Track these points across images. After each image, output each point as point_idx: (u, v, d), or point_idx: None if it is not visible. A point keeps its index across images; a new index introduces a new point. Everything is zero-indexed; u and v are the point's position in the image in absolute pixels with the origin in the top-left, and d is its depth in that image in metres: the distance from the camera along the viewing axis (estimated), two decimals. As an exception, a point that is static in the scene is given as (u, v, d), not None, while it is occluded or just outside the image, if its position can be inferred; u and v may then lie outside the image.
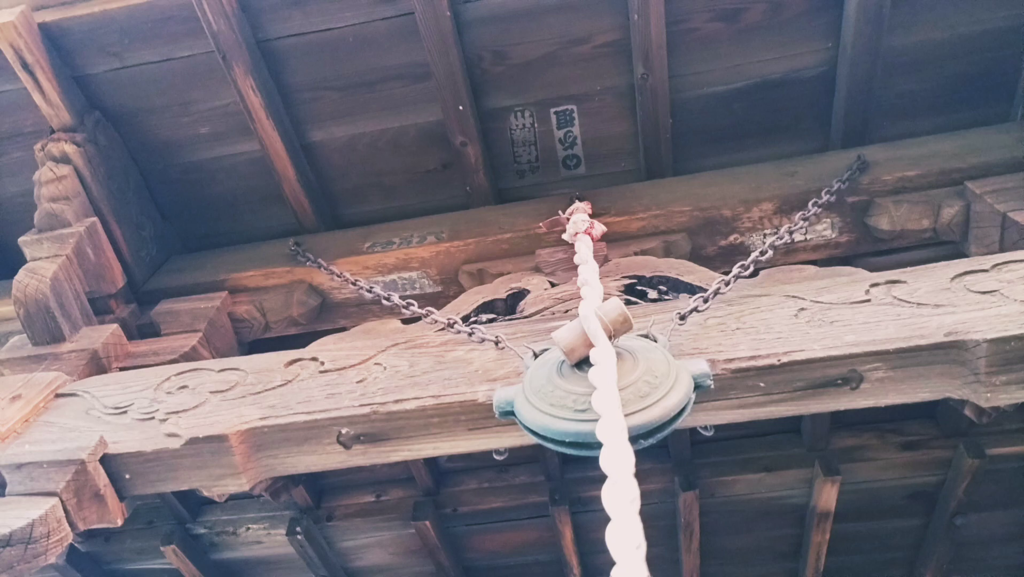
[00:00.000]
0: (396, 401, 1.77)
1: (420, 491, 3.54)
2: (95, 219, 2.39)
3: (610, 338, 1.49)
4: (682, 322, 1.78)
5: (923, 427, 3.40)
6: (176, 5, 2.24)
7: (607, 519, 3.45)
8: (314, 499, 3.61)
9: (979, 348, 1.60)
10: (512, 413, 1.54)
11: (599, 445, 1.39)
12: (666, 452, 3.47)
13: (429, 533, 3.54)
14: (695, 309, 1.80)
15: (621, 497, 1.06)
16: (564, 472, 3.53)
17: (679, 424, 1.47)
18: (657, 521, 3.63)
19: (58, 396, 2.06)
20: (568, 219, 2.24)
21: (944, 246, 2.39)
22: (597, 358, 1.40)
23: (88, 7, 2.28)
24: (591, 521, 3.67)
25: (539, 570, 3.92)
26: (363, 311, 2.50)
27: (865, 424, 3.44)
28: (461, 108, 2.39)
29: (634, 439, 1.41)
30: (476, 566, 3.91)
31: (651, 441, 1.44)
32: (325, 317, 2.52)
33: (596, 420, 1.34)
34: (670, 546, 3.74)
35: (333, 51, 2.40)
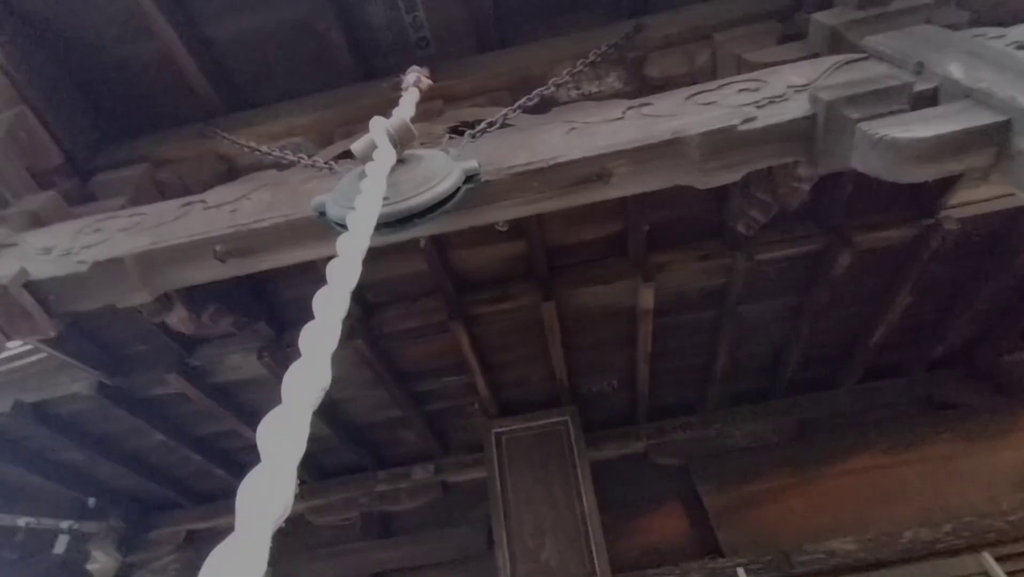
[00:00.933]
0: (256, 221, 1.62)
1: (353, 319, 3.44)
2: (23, 107, 2.08)
3: (396, 145, 1.34)
4: (474, 140, 1.64)
5: (713, 244, 3.39)
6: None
7: (491, 331, 3.37)
8: (276, 332, 3.49)
9: (694, 141, 1.49)
10: (324, 212, 1.40)
11: (378, 228, 1.27)
12: (532, 273, 3.41)
13: (364, 350, 3.47)
14: (484, 130, 1.65)
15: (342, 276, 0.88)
16: (459, 297, 3.46)
17: (451, 206, 1.35)
18: (530, 327, 3.62)
19: (3, 246, 1.85)
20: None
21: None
22: (376, 155, 1.26)
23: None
24: (482, 332, 3.66)
25: (450, 368, 3.92)
26: (261, 170, 2.29)
27: (672, 245, 3.41)
28: (318, -3, 2.11)
29: (410, 218, 1.29)
30: (405, 371, 3.89)
31: (428, 219, 1.32)
32: (233, 179, 2.29)
33: (386, 207, 1.20)
34: (542, 344, 3.74)
35: (207, -48, 2.07)
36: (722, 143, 1.50)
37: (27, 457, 4.09)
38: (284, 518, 0.49)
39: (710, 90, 1.68)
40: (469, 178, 1.39)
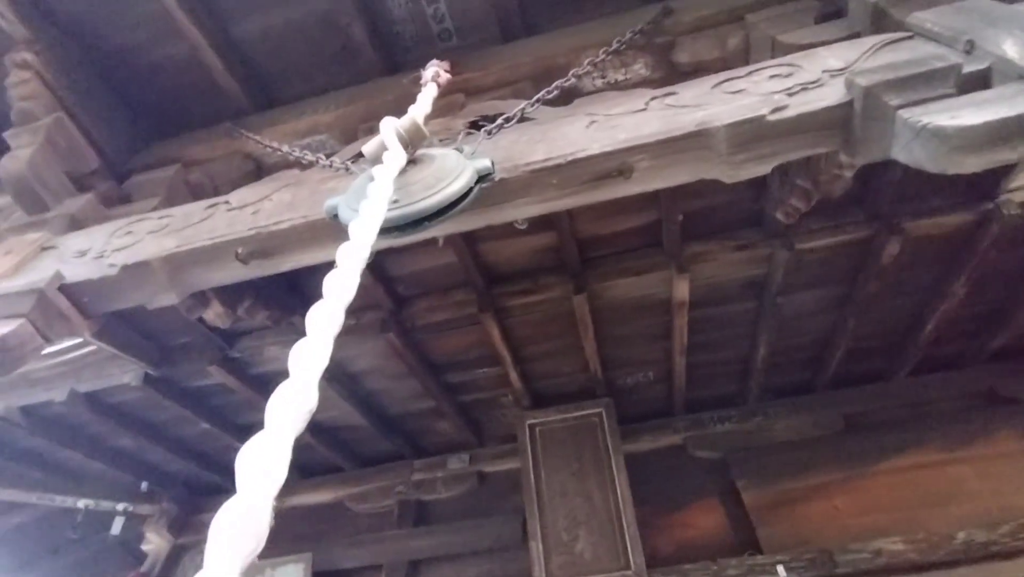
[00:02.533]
0: (275, 223, 1.62)
1: (386, 312, 3.47)
2: (61, 113, 2.15)
3: (407, 146, 1.31)
4: (490, 136, 1.60)
5: (750, 233, 3.26)
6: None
7: (523, 323, 3.34)
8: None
9: (720, 132, 1.41)
10: (338, 215, 1.39)
11: (390, 230, 1.26)
12: (563, 265, 3.36)
13: (396, 342, 3.50)
14: (500, 126, 1.61)
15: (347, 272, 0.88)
16: (489, 289, 3.44)
17: (464, 207, 1.32)
18: (562, 320, 3.58)
19: (43, 249, 1.92)
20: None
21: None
22: (385, 157, 1.24)
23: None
24: (514, 324, 3.63)
25: (482, 360, 3.91)
26: (288, 169, 2.31)
27: (709, 235, 3.29)
28: (339, -8, 2.10)
29: (421, 221, 1.27)
30: (437, 363, 3.91)
31: (439, 221, 1.29)
32: (261, 178, 2.31)
33: (387, 210, 1.18)
34: (575, 336, 3.69)
35: (231, -48, 2.08)
36: (750, 134, 1.42)
37: (84, 443, 4.31)
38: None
39: (739, 77, 1.59)
40: (482, 177, 1.35)
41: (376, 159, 1.31)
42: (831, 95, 1.41)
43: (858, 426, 4.20)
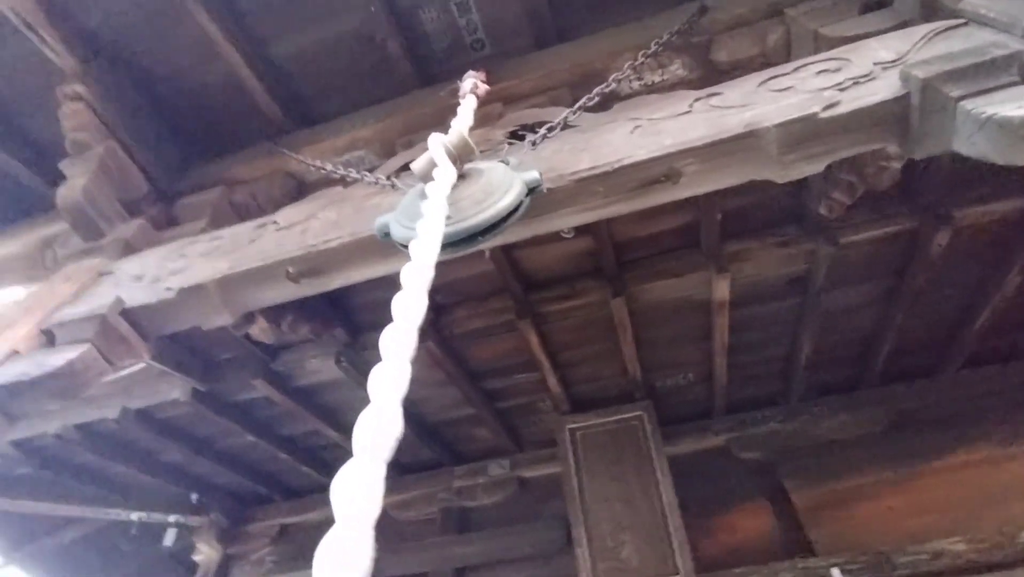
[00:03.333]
0: (324, 242, 1.64)
1: (424, 321, 3.46)
2: (112, 141, 2.23)
3: (456, 161, 1.32)
4: (534, 147, 1.59)
5: (792, 229, 3.19)
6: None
7: (560, 328, 3.34)
8: (352, 336, 3.59)
9: (770, 133, 1.39)
10: (389, 233, 1.40)
11: (450, 244, 1.27)
12: (600, 270, 3.34)
13: (435, 350, 3.52)
14: (544, 136, 1.60)
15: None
16: (527, 295, 3.44)
17: (514, 220, 1.32)
18: (600, 324, 3.55)
19: (100, 275, 1.98)
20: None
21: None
22: (436, 174, 1.24)
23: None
24: (551, 329, 3.62)
25: (520, 366, 3.90)
26: (329, 186, 2.34)
27: (748, 232, 3.23)
28: (373, 9, 2.12)
29: (474, 237, 1.27)
30: (475, 370, 3.92)
31: (491, 236, 1.29)
32: (303, 196, 2.35)
33: (448, 226, 1.19)
34: (613, 340, 3.66)
35: (267, -25, 2.12)
36: (802, 133, 1.39)
37: (136, 458, 4.43)
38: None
39: (785, 74, 1.56)
40: (531, 190, 1.35)
41: (426, 176, 1.31)
42: (885, 89, 1.37)
43: (908, 423, 4.06)
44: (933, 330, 3.83)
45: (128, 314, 1.75)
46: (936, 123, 1.30)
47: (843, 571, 3.37)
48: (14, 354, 1.73)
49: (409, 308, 0.86)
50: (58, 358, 1.63)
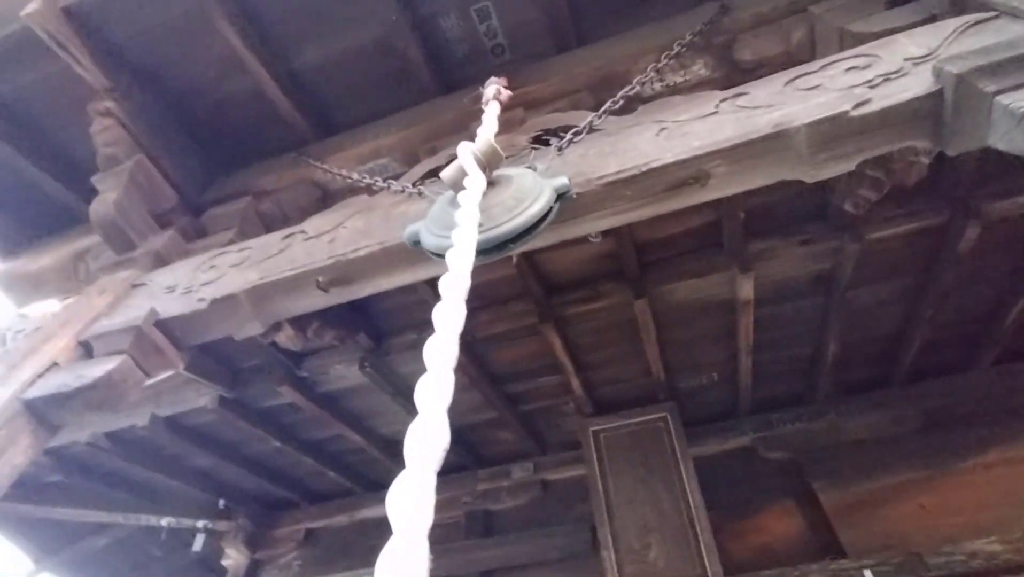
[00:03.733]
0: (353, 251, 1.66)
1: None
2: (142, 155, 2.27)
3: (485, 168, 1.33)
4: (560, 153, 1.60)
5: (815, 226, 3.16)
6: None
7: (583, 330, 3.33)
8: (375, 342, 3.62)
9: (800, 133, 1.38)
10: (419, 241, 1.42)
11: (481, 252, 1.28)
12: (621, 271, 3.33)
13: (458, 355, 3.51)
14: (570, 141, 1.61)
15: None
16: (549, 299, 3.44)
17: (544, 226, 1.32)
18: (622, 326, 3.55)
19: (133, 286, 2.02)
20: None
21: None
22: (467, 183, 1.25)
23: (91, -14, 2.08)
24: (574, 332, 3.62)
25: (543, 369, 3.91)
26: (353, 194, 2.36)
27: (771, 231, 3.20)
28: (394, 19, 2.14)
29: (506, 244, 1.28)
30: (498, 373, 3.93)
31: (522, 243, 1.30)
32: (328, 204, 2.38)
33: (479, 234, 1.20)
34: (636, 341, 3.65)
35: (290, -12, 2.15)
36: (832, 132, 1.38)
37: (165, 464, 4.51)
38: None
39: (813, 72, 1.54)
40: (561, 196, 1.35)
41: (456, 184, 1.32)
42: (917, 85, 1.36)
43: (939, 421, 3.99)
44: (963, 326, 3.77)
45: (162, 325, 1.78)
46: (971, 119, 1.29)
47: (875, 573, 3.32)
48: (53, 366, 1.78)
49: (449, 317, 0.87)
50: (96, 369, 1.67)
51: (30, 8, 2.06)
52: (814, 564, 3.51)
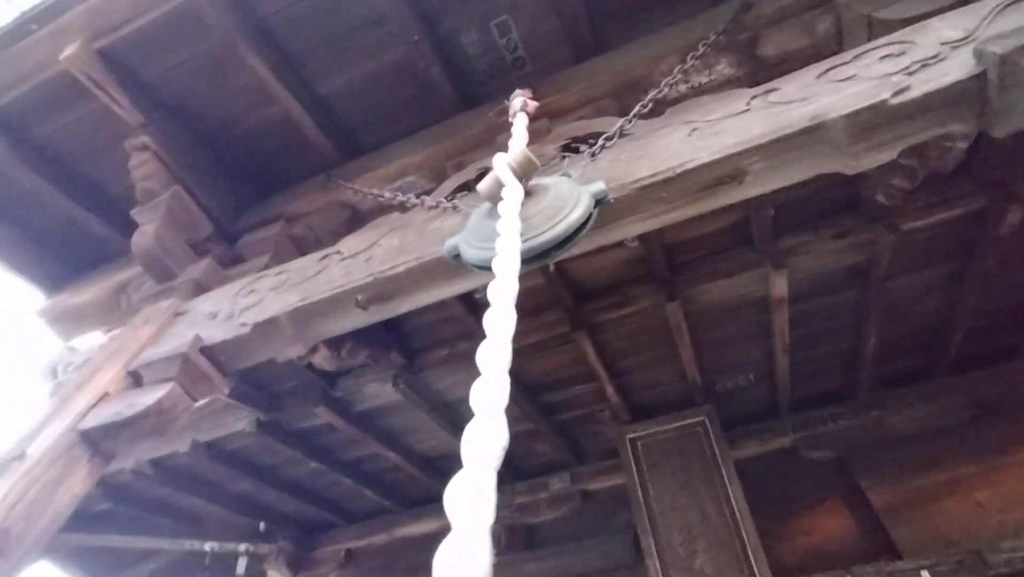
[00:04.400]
0: (391, 268, 1.68)
1: (478, 340, 3.49)
2: (178, 186, 2.33)
3: (521, 179, 1.34)
4: (593, 159, 1.60)
5: (848, 218, 3.10)
6: (180, 11, 2.07)
7: (615, 336, 3.30)
8: (408, 359, 3.64)
9: (837, 124, 1.36)
10: (459, 255, 1.43)
11: (524, 261, 1.28)
12: (651, 275, 3.31)
13: (492, 367, 3.52)
14: (603, 146, 1.61)
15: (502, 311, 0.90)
16: (580, 306, 3.42)
17: (585, 233, 1.32)
18: (655, 329, 3.52)
19: (176, 314, 2.07)
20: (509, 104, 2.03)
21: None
22: (505, 194, 1.26)
23: (123, 30, 2.15)
24: (606, 338, 3.59)
25: (577, 378, 3.89)
26: (383, 214, 2.39)
27: (802, 225, 3.16)
28: (416, 39, 2.17)
29: (548, 252, 1.29)
30: (532, 384, 3.92)
31: (565, 250, 1.31)
32: (358, 224, 2.41)
33: (522, 243, 1.21)
34: (670, 345, 3.61)
35: (313, 16, 2.18)
36: (872, 121, 1.36)
37: (206, 489, 4.57)
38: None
39: (846, 62, 1.52)
40: (599, 201, 1.35)
41: (493, 196, 1.33)
42: (957, 68, 1.33)
43: (990, 411, 3.86)
44: (1010, 311, 3.65)
45: (207, 351, 1.82)
46: (1017, 98, 1.26)
47: (933, 573, 3.21)
48: (105, 396, 1.82)
49: (500, 323, 0.88)
50: (147, 397, 1.71)
51: (68, 52, 2.14)
52: (868, 566, 3.40)
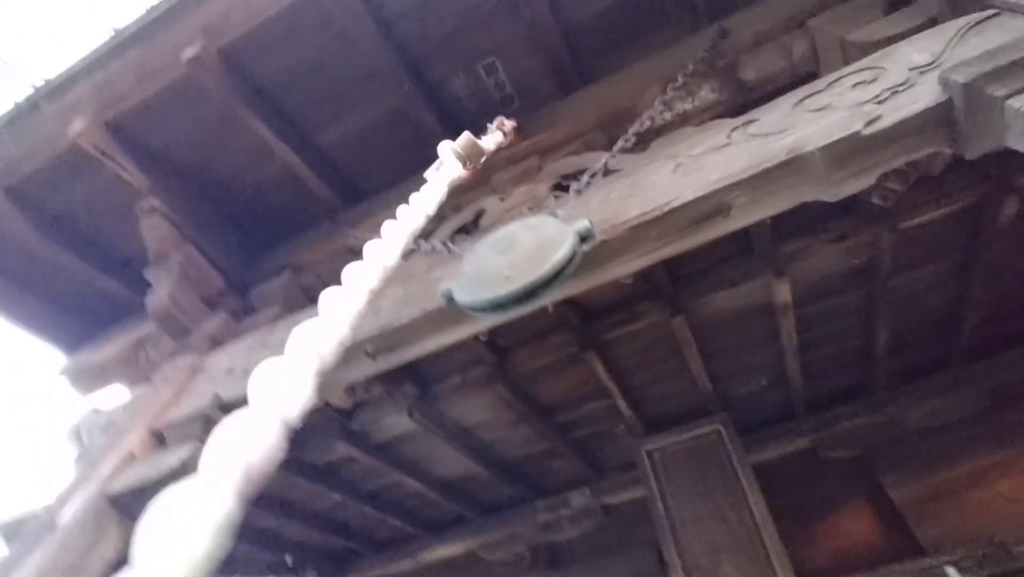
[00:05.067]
0: (396, 320, 1.76)
1: (490, 366, 3.57)
2: (189, 246, 2.43)
3: (465, 161, 1.42)
4: (579, 195, 1.66)
5: (848, 221, 3.13)
6: (182, 81, 2.18)
7: (625, 353, 3.33)
8: (422, 390, 3.71)
9: (815, 156, 1.42)
10: (452, 299, 1.49)
11: (507, 305, 1.35)
12: (655, 290, 3.36)
13: (504, 392, 3.59)
14: (588, 183, 1.67)
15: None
16: (586, 326, 3.48)
17: (571, 270, 1.39)
18: (664, 343, 3.56)
19: (194, 372, 2.15)
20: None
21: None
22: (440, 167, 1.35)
23: (126, 103, 2.25)
24: (616, 355, 3.64)
25: (590, 395, 3.93)
26: (387, 258, 2.46)
27: (802, 231, 3.20)
28: (407, 87, 2.26)
29: (534, 291, 1.35)
30: (546, 405, 3.96)
31: (553, 289, 1.38)
32: (364, 269, 2.48)
33: (502, 288, 1.31)
34: (679, 357, 3.66)
35: (307, 75, 2.28)
36: (847, 152, 1.41)
37: (232, 527, 4.65)
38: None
39: (819, 91, 1.58)
40: (584, 238, 1.42)
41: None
42: (925, 95, 1.38)
43: (1009, 398, 3.85)
44: (1020, 296, 3.65)
45: (227, 408, 1.89)
46: (985, 123, 1.31)
47: (959, 569, 3.21)
48: (130, 457, 1.90)
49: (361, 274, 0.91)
50: (171, 459, 1.79)
51: (77, 127, 2.24)
52: (894, 566, 3.41)
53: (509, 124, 2.12)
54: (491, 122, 2.14)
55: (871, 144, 1.39)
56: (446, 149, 1.40)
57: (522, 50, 2.33)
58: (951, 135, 1.37)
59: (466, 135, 1.46)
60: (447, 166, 1.33)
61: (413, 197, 1.20)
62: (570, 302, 3.33)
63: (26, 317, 2.77)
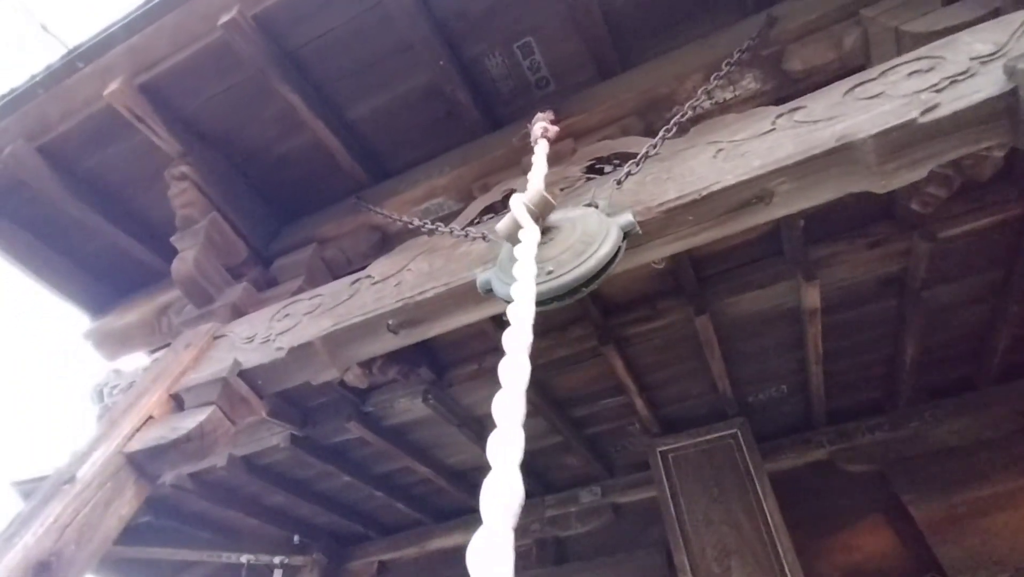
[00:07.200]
0: (420, 293, 1.72)
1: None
2: (215, 213, 2.42)
3: (538, 219, 1.35)
4: (619, 187, 1.61)
5: (883, 226, 3.04)
6: (215, 46, 2.16)
7: (644, 350, 3.28)
8: (437, 375, 3.68)
9: (866, 144, 1.36)
10: (491, 289, 1.45)
11: (549, 301, 1.30)
12: (680, 288, 3.29)
13: (520, 382, 3.54)
14: (629, 173, 1.62)
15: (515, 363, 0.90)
16: (607, 320, 3.43)
17: (616, 267, 1.34)
18: (685, 342, 3.50)
19: (215, 338, 2.15)
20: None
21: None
22: (522, 236, 1.27)
23: (160, 67, 2.25)
24: (635, 352, 3.58)
25: (606, 391, 3.88)
26: (411, 236, 2.44)
27: (835, 235, 3.11)
28: (442, 63, 2.22)
29: (578, 288, 1.31)
30: (561, 399, 3.92)
31: (595, 284, 1.33)
32: (387, 247, 2.46)
33: (543, 282, 1.25)
34: (700, 358, 3.59)
35: (341, 46, 2.25)
36: (901, 141, 1.35)
37: (242, 502, 4.68)
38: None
39: (872, 79, 1.52)
40: (627, 234, 1.37)
41: (511, 236, 1.35)
42: (988, 85, 1.31)
43: (1038, 422, 3.73)
44: (1055, 319, 3.53)
45: (245, 375, 1.88)
46: (1052, 115, 1.24)
47: (981, 591, 3.11)
48: (149, 420, 1.90)
49: (515, 373, 0.87)
50: (189, 421, 1.78)
51: (111, 88, 2.25)
52: (913, 584, 3.31)
53: (553, 129, 2.04)
54: (532, 120, 2.07)
55: (927, 133, 1.32)
56: (519, 206, 1.33)
57: (560, 32, 2.28)
58: (1014, 127, 1.30)
59: (538, 190, 1.38)
60: (527, 232, 1.23)
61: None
62: (592, 294, 3.28)
63: (53, 277, 2.80)
